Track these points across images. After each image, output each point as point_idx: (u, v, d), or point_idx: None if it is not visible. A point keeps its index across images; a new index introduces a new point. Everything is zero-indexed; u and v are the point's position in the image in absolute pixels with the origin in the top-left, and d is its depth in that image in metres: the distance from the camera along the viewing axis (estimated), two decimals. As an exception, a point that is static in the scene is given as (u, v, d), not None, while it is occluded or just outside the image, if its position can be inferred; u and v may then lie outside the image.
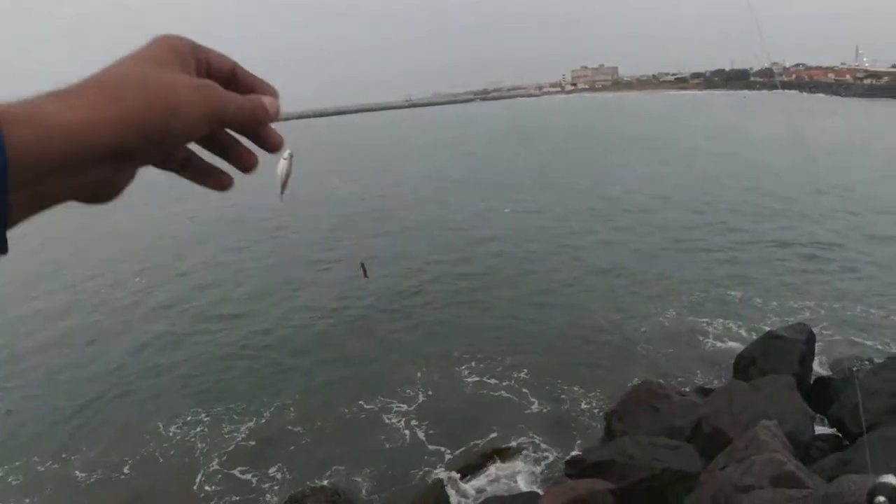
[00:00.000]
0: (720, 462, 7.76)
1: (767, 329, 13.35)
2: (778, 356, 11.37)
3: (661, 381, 11.44)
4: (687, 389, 11.79)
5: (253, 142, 0.80)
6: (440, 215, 32.03)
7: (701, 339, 15.26)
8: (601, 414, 11.45)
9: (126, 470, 12.08)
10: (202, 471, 11.81)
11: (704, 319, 16.33)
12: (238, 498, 10.95)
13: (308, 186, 43.21)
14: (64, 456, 12.67)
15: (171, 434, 13.11)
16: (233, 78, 0.77)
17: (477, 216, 31.22)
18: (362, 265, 13.88)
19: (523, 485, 9.49)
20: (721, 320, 16.21)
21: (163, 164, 0.76)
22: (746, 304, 17.26)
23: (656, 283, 19.72)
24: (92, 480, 11.83)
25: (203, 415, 13.78)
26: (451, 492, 9.50)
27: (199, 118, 0.67)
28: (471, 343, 16.21)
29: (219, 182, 0.82)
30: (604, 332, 16.19)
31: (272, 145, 0.82)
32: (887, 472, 5.27)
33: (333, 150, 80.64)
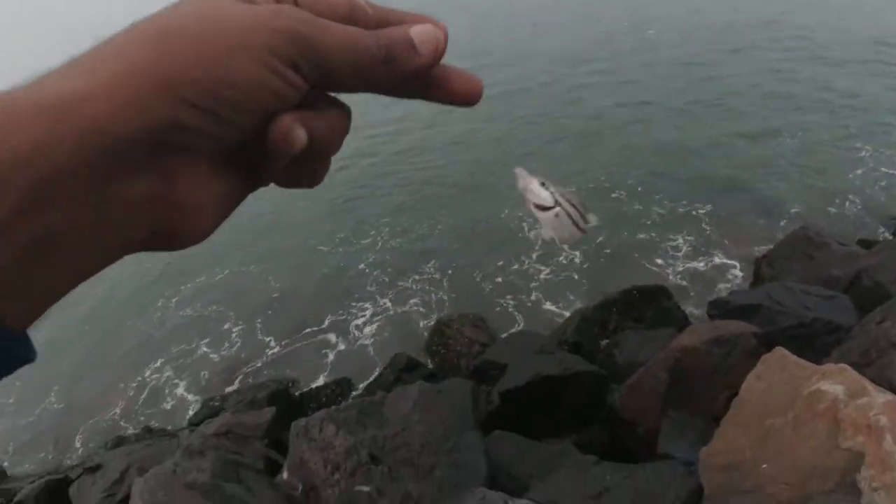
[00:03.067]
0: (877, 316, 7.45)
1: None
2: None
3: (821, 229, 10.83)
4: (848, 241, 11.13)
5: (422, 95, 0.56)
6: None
7: (868, 189, 14.04)
8: (749, 260, 11.22)
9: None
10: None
11: (880, 168, 14.88)
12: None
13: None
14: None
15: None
16: (351, 17, 0.52)
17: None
18: None
19: (663, 322, 9.70)
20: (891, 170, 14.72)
21: (248, 175, 0.53)
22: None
23: (827, 126, 17.90)
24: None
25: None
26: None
27: (270, 62, 0.45)
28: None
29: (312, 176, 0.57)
30: (756, 178, 15.23)
31: (461, 95, 0.55)
32: None
33: None
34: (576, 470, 5.72)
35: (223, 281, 14.31)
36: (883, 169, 14.54)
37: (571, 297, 11.62)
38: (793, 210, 13.18)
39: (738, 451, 4.50)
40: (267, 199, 17.37)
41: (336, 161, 0.58)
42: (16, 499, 9.18)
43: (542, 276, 12.46)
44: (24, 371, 0.43)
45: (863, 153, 15.15)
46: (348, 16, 0.52)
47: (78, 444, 11.08)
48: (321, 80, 0.49)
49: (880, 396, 4.56)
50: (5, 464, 11.09)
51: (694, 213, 13.61)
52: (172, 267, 14.94)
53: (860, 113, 17.82)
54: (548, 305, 11.65)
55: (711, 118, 18.87)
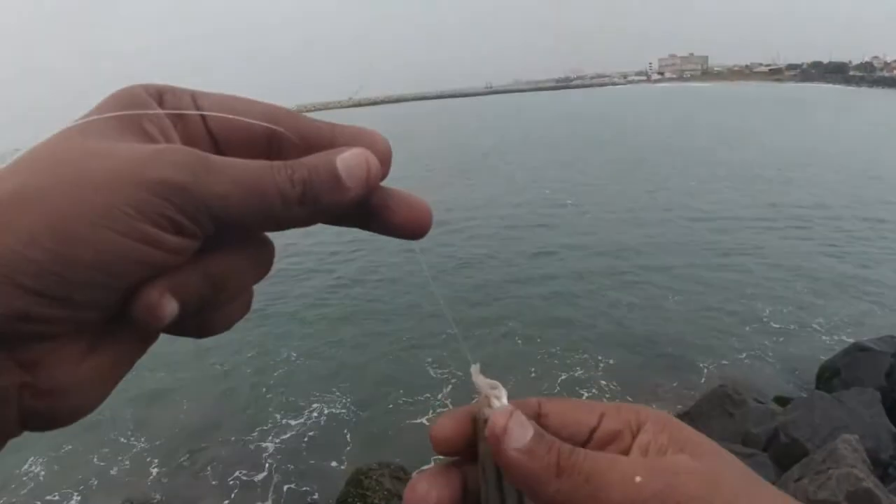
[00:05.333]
0: (795, 473, 7.55)
1: (853, 340, 12.82)
2: (864, 369, 10.93)
3: (738, 387, 11.17)
4: (765, 398, 11.49)
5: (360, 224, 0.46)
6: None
7: (782, 347, 14.70)
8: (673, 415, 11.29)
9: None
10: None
11: (787, 326, 15.68)
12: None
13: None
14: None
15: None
16: (275, 145, 0.44)
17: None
18: None
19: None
20: (805, 329, 15.56)
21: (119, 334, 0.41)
22: (832, 313, 16.50)
23: (732, 285, 19.02)
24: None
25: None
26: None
27: (135, 228, 0.35)
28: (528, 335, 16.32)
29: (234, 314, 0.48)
30: (678, 334, 15.73)
31: (403, 227, 0.45)
32: None
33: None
34: None
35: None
36: (774, 325, 15.48)
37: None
38: (705, 368, 13.63)
39: None
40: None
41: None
42: None
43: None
44: None
45: (785, 331, 15.94)
46: (266, 145, 0.43)
47: None
48: (223, 230, 0.39)
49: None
50: None
51: (616, 378, 13.71)
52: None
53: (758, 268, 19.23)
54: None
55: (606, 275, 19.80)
